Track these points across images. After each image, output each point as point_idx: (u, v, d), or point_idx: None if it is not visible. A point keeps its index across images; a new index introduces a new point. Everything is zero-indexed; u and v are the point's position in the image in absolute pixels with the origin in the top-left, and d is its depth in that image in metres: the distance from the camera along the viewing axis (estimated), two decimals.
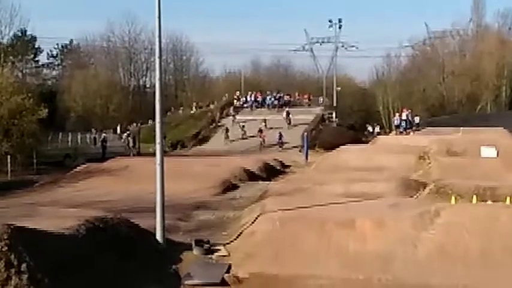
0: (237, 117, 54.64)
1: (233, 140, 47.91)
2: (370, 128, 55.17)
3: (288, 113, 51.47)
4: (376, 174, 23.73)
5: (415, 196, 20.20)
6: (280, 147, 45.46)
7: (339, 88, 61.75)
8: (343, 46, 68.34)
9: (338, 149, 33.35)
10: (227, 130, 49.34)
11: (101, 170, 31.27)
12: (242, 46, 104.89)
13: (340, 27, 64.86)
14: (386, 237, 13.02)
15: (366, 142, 44.11)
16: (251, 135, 48.01)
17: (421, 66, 72.53)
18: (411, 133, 43.01)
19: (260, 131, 47.30)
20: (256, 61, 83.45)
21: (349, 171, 24.96)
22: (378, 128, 54.80)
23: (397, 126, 46.44)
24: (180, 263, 13.15)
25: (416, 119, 46.83)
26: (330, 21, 64.60)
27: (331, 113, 55.68)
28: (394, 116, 52.10)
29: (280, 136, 46.44)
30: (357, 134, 52.71)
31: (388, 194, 19.68)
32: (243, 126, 49.39)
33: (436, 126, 43.40)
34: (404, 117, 45.19)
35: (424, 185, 21.68)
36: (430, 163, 26.62)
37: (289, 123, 50.37)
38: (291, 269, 12.42)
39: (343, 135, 46.39)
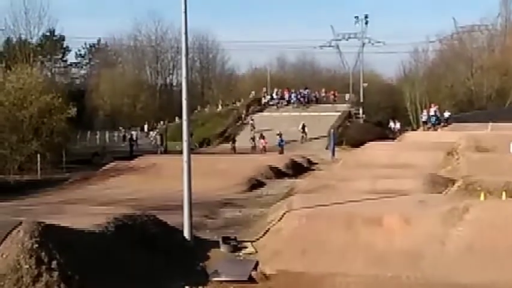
0: (264, 113, 54.77)
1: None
2: (391, 124, 54.76)
3: (303, 126, 47.03)
4: (403, 171, 23.57)
5: (443, 193, 19.99)
6: (302, 138, 45.46)
7: (366, 84, 61.33)
8: (369, 42, 67.83)
9: (365, 145, 33.17)
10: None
11: (129, 168, 31.57)
12: (268, 43, 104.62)
13: (366, 23, 64.45)
14: (415, 234, 12.91)
15: (393, 138, 43.79)
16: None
17: (449, 62, 71.63)
18: (439, 129, 42.60)
19: (262, 137, 44.69)
20: (282, 58, 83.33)
21: (376, 168, 24.81)
22: (399, 125, 54.29)
23: (425, 122, 46.06)
24: (207, 260, 13.22)
25: (446, 114, 46.33)
26: (356, 17, 64.28)
27: (358, 110, 55.39)
28: (422, 112, 51.66)
29: (304, 127, 46.07)
30: (384, 131, 52.34)
31: (416, 190, 19.49)
32: (254, 127, 49.21)
33: (464, 122, 42.88)
34: (432, 113, 44.79)
35: (453, 182, 21.43)
36: (458, 159, 26.33)
37: (305, 137, 46.67)
38: (318, 267, 12.40)
39: (370, 132, 46.12)
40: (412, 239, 12.81)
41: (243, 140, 47.04)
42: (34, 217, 11.83)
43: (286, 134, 45.43)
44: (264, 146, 43.48)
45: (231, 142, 46.04)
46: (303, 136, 45.02)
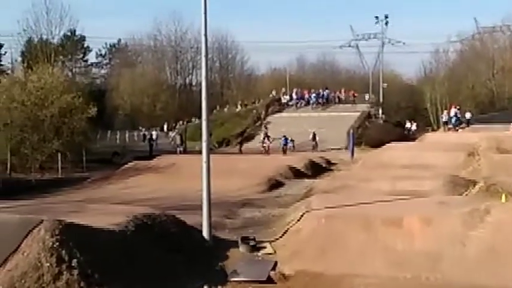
0: (283, 114, 54.76)
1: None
2: (408, 125, 54.41)
3: (314, 135, 44.79)
4: (423, 172, 23.41)
5: (464, 194, 19.86)
6: (314, 148, 42.96)
7: (386, 85, 61.01)
8: (389, 42, 67.49)
9: (384, 146, 33.02)
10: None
11: (149, 168, 31.74)
12: (287, 43, 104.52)
13: (386, 23, 64.11)
14: (435, 235, 12.82)
15: (414, 139, 43.52)
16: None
17: (470, 62, 70.94)
18: (460, 130, 42.26)
19: (267, 137, 43.75)
20: (302, 58, 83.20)
21: (396, 169, 24.68)
22: (415, 126, 53.93)
23: (445, 123, 45.72)
24: (226, 260, 13.24)
25: (467, 115, 45.94)
26: (376, 17, 63.96)
27: (378, 110, 55.13)
28: (442, 112, 51.28)
29: (314, 136, 44.25)
30: (404, 131, 52.03)
31: (436, 191, 19.38)
32: (267, 128, 48.83)
33: (485, 123, 42.50)
34: (452, 113, 44.45)
35: (474, 183, 21.29)
36: (479, 160, 26.11)
37: (316, 147, 43.62)
38: (337, 267, 12.36)
39: (389, 132, 45.86)
40: (432, 241, 12.72)
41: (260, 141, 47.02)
42: (55, 216, 11.92)
43: (306, 135, 45.34)
44: (267, 146, 42.26)
45: (238, 143, 45.72)
46: (313, 146, 43.32)
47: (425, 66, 75.15)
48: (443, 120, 47.12)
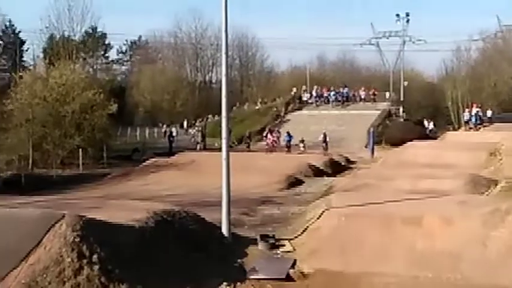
0: (303, 112, 54.67)
1: None
2: (425, 123, 53.99)
3: (325, 136, 41.08)
4: (444, 171, 23.24)
5: (485, 194, 19.68)
6: (324, 149, 39.84)
7: (406, 83, 60.58)
8: (410, 40, 66.89)
9: (405, 144, 32.81)
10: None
11: (169, 164, 31.88)
12: (307, 41, 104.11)
13: (407, 21, 63.59)
14: (455, 235, 12.73)
15: (435, 138, 43.20)
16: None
17: (492, 60, 70.13)
18: (481, 129, 41.85)
19: (270, 132, 40.76)
20: (322, 56, 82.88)
21: (417, 168, 24.53)
22: (432, 124, 53.51)
23: (467, 122, 45.32)
24: (245, 257, 13.24)
25: (489, 113, 45.48)
26: (397, 15, 63.46)
27: (398, 108, 54.77)
28: (464, 111, 50.82)
29: (325, 137, 41.04)
30: (425, 130, 51.65)
31: (457, 191, 19.22)
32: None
33: (507, 122, 42.03)
34: (474, 112, 44.04)
35: (495, 183, 21.11)
36: (501, 160, 25.86)
37: (325, 148, 40.27)
38: (356, 266, 12.33)
39: (410, 131, 45.50)
40: (453, 240, 12.63)
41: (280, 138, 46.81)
42: (76, 211, 12.02)
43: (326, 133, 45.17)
44: (272, 143, 38.96)
45: (245, 140, 44.25)
46: (323, 147, 40.39)
47: (446, 65, 74.41)
48: (465, 119, 46.68)
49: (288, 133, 40.37)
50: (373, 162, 33.54)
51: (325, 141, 40.76)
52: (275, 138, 39.75)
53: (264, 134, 41.02)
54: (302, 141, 40.15)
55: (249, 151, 40.67)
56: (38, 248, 10.33)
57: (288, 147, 38.83)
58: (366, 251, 12.77)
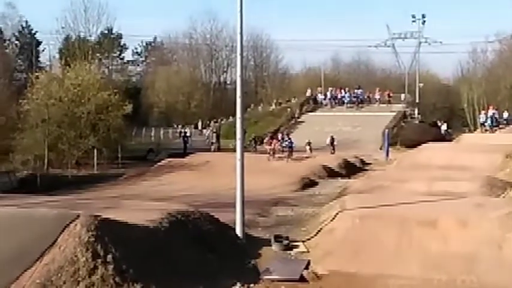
0: (318, 113, 54.59)
1: None
2: (438, 124, 53.70)
3: (332, 139, 40.75)
4: (460, 173, 23.06)
5: (501, 196, 19.51)
6: (332, 153, 38.92)
7: (422, 84, 60.33)
8: (426, 42, 66.61)
9: (420, 146, 32.63)
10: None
11: (183, 165, 31.96)
12: (322, 42, 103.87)
13: (423, 23, 63.33)
14: (471, 237, 12.63)
15: (450, 140, 42.93)
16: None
17: (508, 62, 69.57)
18: (497, 131, 41.51)
19: (271, 137, 38.03)
20: (336, 57, 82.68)
21: (432, 170, 24.38)
22: (445, 126, 53.17)
23: (482, 124, 44.99)
24: (259, 258, 13.24)
25: (505, 115, 45.12)
26: (413, 16, 63.22)
27: (413, 110, 54.51)
28: (480, 113, 50.48)
29: (333, 140, 40.53)
30: (440, 132, 51.36)
31: (473, 193, 19.07)
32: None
33: None
34: (490, 114, 43.71)
35: (511, 185, 20.90)
36: None
37: (333, 152, 39.34)
38: (370, 268, 12.26)
39: (425, 133, 45.27)
40: (468, 243, 12.53)
41: (294, 140, 46.67)
42: (90, 211, 12.06)
43: (339, 134, 45.03)
44: (273, 148, 35.32)
45: (253, 142, 42.46)
46: (331, 151, 39.58)
47: (462, 66, 74.07)
48: (481, 121, 46.34)
49: (290, 138, 37.11)
50: (387, 164, 33.39)
51: (332, 144, 40.27)
52: (276, 145, 36.01)
53: (266, 140, 38.57)
54: (309, 143, 39.32)
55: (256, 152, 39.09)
56: (52, 248, 10.38)
57: (290, 152, 35.19)
58: (380, 253, 12.70)
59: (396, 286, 11.61)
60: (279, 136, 37.70)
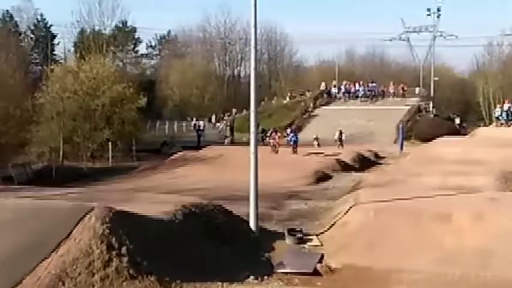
0: (331, 107, 54.48)
1: None
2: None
3: (340, 133, 40.22)
4: (474, 167, 22.92)
5: None
6: (339, 146, 38.61)
7: (437, 78, 59.96)
8: (441, 35, 66.10)
9: (435, 140, 32.48)
10: None
11: (197, 158, 32.05)
12: (336, 35, 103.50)
13: (438, 16, 62.90)
14: (485, 232, 12.56)
15: (465, 134, 42.68)
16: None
17: None
18: None
19: (275, 131, 36.81)
20: (351, 50, 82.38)
21: (446, 164, 24.25)
22: (459, 120, 52.83)
23: (498, 118, 44.64)
24: (272, 251, 13.25)
25: None
26: (428, 9, 62.80)
27: (428, 104, 54.24)
28: (495, 107, 50.12)
29: (341, 134, 39.96)
30: (455, 126, 51.07)
31: (487, 187, 18.98)
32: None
33: None
34: (506, 108, 43.35)
35: None
36: None
37: (341, 145, 38.92)
38: (384, 262, 12.23)
39: (440, 127, 45.10)
40: (483, 237, 12.47)
41: (308, 133, 46.56)
42: (105, 203, 12.11)
43: (353, 128, 44.94)
44: (276, 143, 34.62)
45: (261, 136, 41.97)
46: (339, 145, 38.91)
47: (478, 60, 73.58)
48: (496, 115, 45.98)
49: (294, 132, 37.36)
50: (402, 158, 33.25)
51: (340, 138, 39.85)
52: (278, 139, 35.40)
53: (268, 134, 37.77)
54: (316, 138, 39.30)
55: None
56: (68, 240, 10.45)
57: (294, 147, 34.91)
58: (394, 246, 12.67)
59: (410, 280, 11.57)
60: (288, 130, 37.56)
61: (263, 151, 29.03)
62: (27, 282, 9.59)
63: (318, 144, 38.63)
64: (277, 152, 33.45)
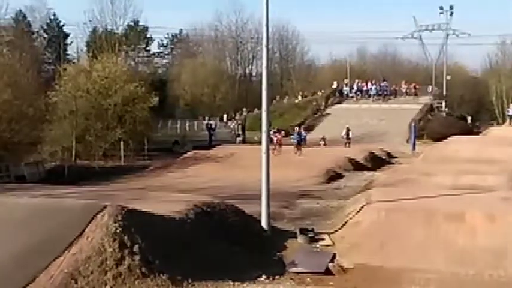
0: (343, 105, 54.37)
1: None
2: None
3: (348, 131, 39.51)
4: (487, 167, 22.80)
5: None
6: (346, 145, 38.14)
7: (449, 77, 59.63)
8: (454, 33, 65.74)
9: (447, 139, 32.32)
10: None
11: (208, 157, 32.05)
12: (348, 34, 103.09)
13: (451, 14, 62.55)
14: (498, 231, 12.52)
15: (478, 133, 42.45)
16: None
17: None
18: None
19: (278, 131, 34.45)
20: (363, 49, 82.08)
21: (459, 163, 24.14)
22: (470, 119, 52.53)
23: (511, 117, 44.43)
24: (284, 251, 13.26)
25: None
26: (440, 8, 62.47)
27: (441, 103, 53.96)
28: (508, 106, 49.82)
29: (348, 132, 39.28)
30: (468, 125, 50.78)
31: (500, 187, 18.87)
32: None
33: None
34: None
35: None
36: None
37: (348, 144, 38.47)
38: (396, 261, 12.20)
39: (452, 126, 44.84)
40: (496, 237, 12.42)
41: (319, 132, 46.45)
42: (117, 202, 12.16)
43: (365, 127, 44.83)
44: (279, 141, 32.66)
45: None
46: (346, 143, 38.54)
47: (490, 58, 73.07)
48: (509, 114, 45.73)
49: (299, 132, 35.49)
50: (414, 157, 33.12)
51: (348, 136, 39.33)
52: (280, 140, 33.27)
53: (272, 133, 33.02)
54: (323, 138, 39.01)
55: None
56: (80, 238, 10.50)
57: (298, 146, 33.32)
58: (406, 246, 12.64)
59: (422, 280, 11.53)
60: (296, 129, 37.17)
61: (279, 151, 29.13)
62: (41, 280, 9.65)
63: (324, 144, 38.47)
64: (278, 153, 30.23)
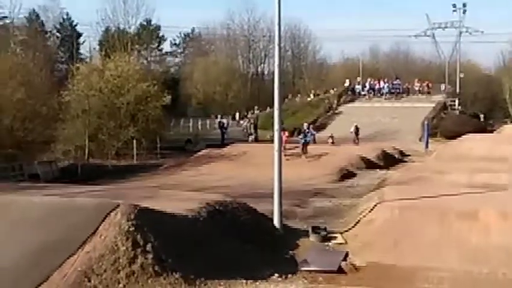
0: (356, 104, 54.22)
1: None
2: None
3: (356, 129, 39.60)
4: (501, 165, 22.69)
5: None
6: (354, 142, 38.17)
7: (462, 75, 59.35)
8: (467, 31, 65.38)
9: (461, 137, 32.18)
10: None
11: (221, 156, 32.11)
12: (360, 32, 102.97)
13: (464, 12, 62.26)
14: None
15: (491, 131, 42.21)
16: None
17: None
18: None
19: (283, 130, 30.22)
20: (375, 47, 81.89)
21: (472, 161, 24.04)
22: (482, 117, 52.22)
23: None
24: (296, 249, 13.23)
25: None
26: (453, 5, 62.17)
27: (454, 101, 53.71)
28: None
29: (357, 129, 39.32)
30: (481, 123, 50.50)
31: None
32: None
33: None
34: None
35: None
36: None
37: (357, 141, 38.81)
38: (409, 260, 12.16)
39: (466, 124, 44.68)
40: (509, 235, 12.35)
41: (331, 130, 46.35)
42: (130, 200, 12.19)
43: (378, 125, 44.72)
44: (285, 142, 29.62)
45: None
46: (354, 140, 38.57)
47: (504, 56, 72.63)
48: None
49: (304, 131, 33.77)
50: (427, 155, 33.00)
51: (357, 133, 39.24)
52: (287, 136, 32.57)
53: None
54: (331, 137, 38.85)
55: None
56: (93, 237, 10.53)
57: (304, 146, 31.95)
58: (420, 244, 12.58)
59: (436, 278, 11.48)
60: (305, 125, 36.37)
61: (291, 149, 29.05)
62: (54, 278, 9.69)
63: (332, 142, 38.10)
64: (287, 156, 28.52)
